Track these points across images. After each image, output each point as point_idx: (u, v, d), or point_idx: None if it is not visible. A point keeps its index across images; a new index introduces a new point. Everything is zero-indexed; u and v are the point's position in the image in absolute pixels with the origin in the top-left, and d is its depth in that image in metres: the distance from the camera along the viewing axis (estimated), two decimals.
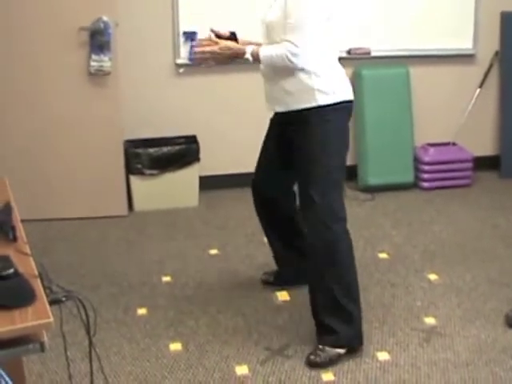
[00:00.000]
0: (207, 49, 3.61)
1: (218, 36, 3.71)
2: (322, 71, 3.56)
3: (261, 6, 3.74)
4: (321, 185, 3.57)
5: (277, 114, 3.86)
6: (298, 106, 3.59)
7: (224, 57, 3.63)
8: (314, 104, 3.54)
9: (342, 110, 3.63)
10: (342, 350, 3.62)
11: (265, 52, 3.55)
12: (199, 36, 5.43)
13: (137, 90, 5.64)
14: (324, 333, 3.66)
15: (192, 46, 3.71)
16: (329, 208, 3.58)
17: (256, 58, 3.57)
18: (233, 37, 3.80)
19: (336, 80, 3.64)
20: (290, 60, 3.45)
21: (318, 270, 3.61)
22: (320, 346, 3.64)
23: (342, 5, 3.85)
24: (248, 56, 3.58)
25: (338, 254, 3.61)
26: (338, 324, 3.60)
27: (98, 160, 5.32)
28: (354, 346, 3.65)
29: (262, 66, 3.73)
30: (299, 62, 3.47)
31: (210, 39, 3.71)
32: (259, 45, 3.71)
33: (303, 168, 3.65)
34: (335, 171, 3.60)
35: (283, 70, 3.57)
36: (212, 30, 3.73)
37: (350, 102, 3.69)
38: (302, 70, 3.53)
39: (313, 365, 3.57)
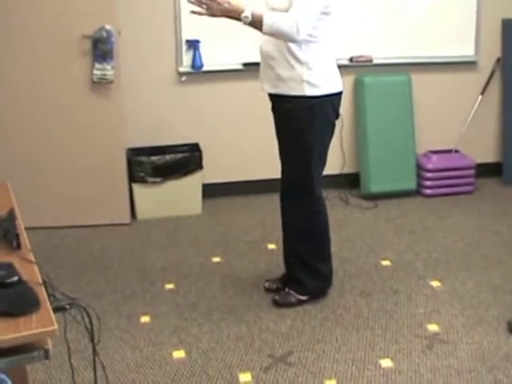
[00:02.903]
0: None
1: None
2: (315, 64, 3.77)
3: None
4: (300, 170, 3.97)
5: (271, 100, 4.03)
6: (286, 92, 3.83)
7: (220, 9, 3.58)
8: (300, 93, 3.79)
9: (328, 101, 3.86)
10: (303, 297, 4.18)
11: (270, 16, 3.57)
12: (202, 45, 5.49)
13: (139, 99, 5.65)
14: (293, 280, 4.21)
15: None
16: (307, 192, 4.01)
17: (257, 20, 3.56)
18: None
19: (326, 74, 3.86)
20: (297, 28, 3.54)
21: (293, 233, 4.15)
22: (286, 289, 4.21)
23: (340, 4, 3.90)
24: (247, 14, 3.55)
25: (312, 225, 4.10)
26: (306, 277, 4.16)
27: (100, 168, 5.33)
28: (316, 296, 4.22)
29: (263, 46, 3.83)
30: (303, 35, 3.59)
31: None
32: None
33: (285, 153, 4.03)
34: (314, 158, 3.94)
35: (280, 55, 3.75)
36: None
37: (337, 93, 3.92)
38: (296, 58, 3.74)
39: (274, 303, 4.17)
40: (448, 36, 6.07)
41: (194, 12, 3.62)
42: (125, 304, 4.23)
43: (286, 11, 3.64)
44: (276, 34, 3.63)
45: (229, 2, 3.58)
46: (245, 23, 3.61)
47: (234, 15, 3.60)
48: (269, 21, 3.55)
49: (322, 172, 4.06)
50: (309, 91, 3.77)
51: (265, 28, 3.57)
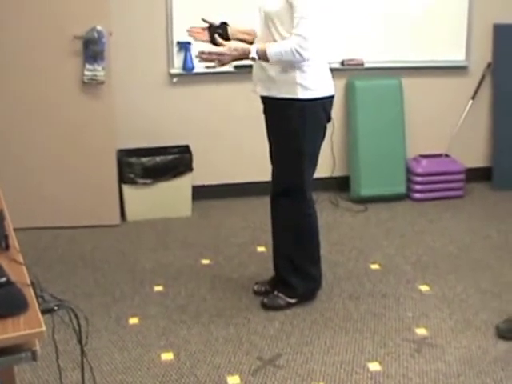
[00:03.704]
0: (214, 50, 3.67)
1: (210, 25, 3.90)
2: (308, 67, 3.79)
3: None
4: (291, 172, 3.97)
5: (263, 102, 4.03)
6: (279, 95, 3.85)
7: (230, 58, 3.71)
8: (293, 96, 3.80)
9: (320, 105, 3.88)
10: (293, 300, 4.18)
11: (273, 49, 3.65)
12: (193, 46, 5.48)
13: (130, 100, 5.64)
14: (282, 283, 4.20)
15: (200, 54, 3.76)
16: (297, 194, 4.01)
17: (262, 55, 3.66)
18: (224, 26, 3.96)
19: (319, 77, 3.87)
20: (299, 53, 3.60)
21: (283, 236, 4.15)
22: (275, 292, 4.21)
23: (332, 4, 3.97)
24: (254, 55, 3.66)
25: (302, 227, 4.10)
26: (295, 280, 4.15)
27: (90, 169, 5.31)
28: (305, 299, 4.21)
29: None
30: (307, 54, 3.64)
31: (202, 28, 3.96)
32: (251, 34, 3.99)
33: (277, 154, 4.04)
34: (306, 160, 3.95)
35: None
36: (204, 20, 3.92)
37: (329, 97, 3.94)
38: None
39: (263, 306, 4.17)
40: (439, 40, 6.08)
41: (208, 67, 3.75)
42: (113, 305, 4.22)
43: (279, 14, 3.67)
44: (284, 63, 3.71)
45: (236, 49, 3.70)
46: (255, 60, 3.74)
47: (243, 58, 3.73)
48: (272, 54, 3.64)
49: (313, 175, 4.06)
50: (301, 94, 3.78)
51: (271, 61, 3.68)
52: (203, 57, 3.67)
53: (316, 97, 3.82)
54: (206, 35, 3.97)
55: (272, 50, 3.64)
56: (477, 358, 3.65)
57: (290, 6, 3.61)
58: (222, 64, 3.72)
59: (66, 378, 3.44)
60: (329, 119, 3.97)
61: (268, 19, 3.76)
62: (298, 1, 3.58)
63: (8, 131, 5.20)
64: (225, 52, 3.67)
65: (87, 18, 4.99)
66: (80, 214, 5.40)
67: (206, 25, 3.99)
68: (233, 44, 3.75)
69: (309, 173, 4.00)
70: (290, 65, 3.72)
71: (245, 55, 3.69)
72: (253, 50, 3.67)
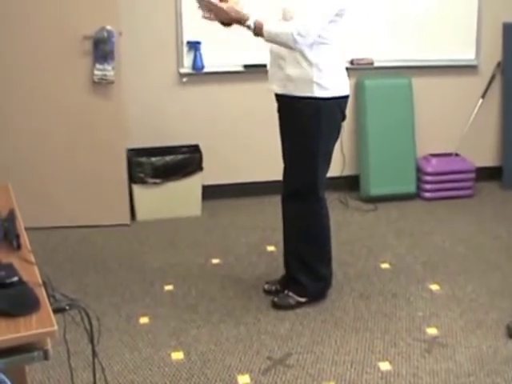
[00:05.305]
0: (215, 2, 3.66)
1: None
2: (325, 66, 3.80)
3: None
4: (304, 172, 3.97)
5: (278, 100, 4.03)
6: (295, 93, 3.85)
7: (227, 17, 3.71)
8: (309, 94, 3.81)
9: (336, 104, 3.89)
10: (303, 299, 4.17)
11: (269, 26, 3.65)
12: (202, 46, 5.49)
13: (140, 99, 5.65)
14: (293, 282, 4.20)
15: None
16: (310, 194, 4.01)
17: (258, 29, 3.67)
18: None
19: (336, 77, 3.88)
20: (294, 39, 3.60)
21: (294, 234, 4.15)
22: (286, 292, 4.20)
23: (353, 7, 3.95)
24: (250, 23, 3.67)
25: (314, 226, 4.11)
26: (306, 279, 4.15)
27: (100, 168, 5.32)
28: (316, 299, 4.21)
29: (273, 46, 3.85)
30: (303, 43, 3.64)
31: None
32: None
33: (290, 154, 4.04)
34: (320, 160, 3.94)
35: (290, 56, 3.75)
36: None
37: (345, 96, 3.94)
38: (307, 59, 3.75)
39: (273, 305, 4.16)
40: (449, 39, 6.08)
41: (204, 17, 3.76)
42: (124, 305, 4.23)
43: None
44: (276, 43, 3.73)
45: (236, 12, 3.69)
46: (251, 31, 3.71)
47: (240, 24, 3.72)
48: (267, 30, 3.65)
49: (327, 174, 4.06)
50: (318, 92, 3.78)
51: (265, 37, 3.68)
52: (202, 3, 3.68)
53: (332, 96, 3.82)
54: None
55: (270, 28, 3.64)
56: (487, 358, 3.64)
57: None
58: (217, 19, 3.74)
59: (77, 377, 3.44)
60: (343, 118, 3.97)
61: (286, 17, 3.76)
62: None
63: (18, 131, 5.21)
64: (224, 8, 3.67)
65: (97, 17, 5.00)
66: (90, 213, 5.41)
67: None
68: (235, 6, 3.73)
69: (322, 172, 4.00)
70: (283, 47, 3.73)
71: (242, 20, 3.69)
72: (250, 20, 3.67)
